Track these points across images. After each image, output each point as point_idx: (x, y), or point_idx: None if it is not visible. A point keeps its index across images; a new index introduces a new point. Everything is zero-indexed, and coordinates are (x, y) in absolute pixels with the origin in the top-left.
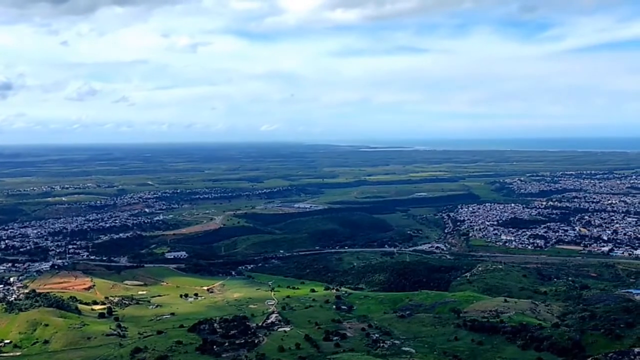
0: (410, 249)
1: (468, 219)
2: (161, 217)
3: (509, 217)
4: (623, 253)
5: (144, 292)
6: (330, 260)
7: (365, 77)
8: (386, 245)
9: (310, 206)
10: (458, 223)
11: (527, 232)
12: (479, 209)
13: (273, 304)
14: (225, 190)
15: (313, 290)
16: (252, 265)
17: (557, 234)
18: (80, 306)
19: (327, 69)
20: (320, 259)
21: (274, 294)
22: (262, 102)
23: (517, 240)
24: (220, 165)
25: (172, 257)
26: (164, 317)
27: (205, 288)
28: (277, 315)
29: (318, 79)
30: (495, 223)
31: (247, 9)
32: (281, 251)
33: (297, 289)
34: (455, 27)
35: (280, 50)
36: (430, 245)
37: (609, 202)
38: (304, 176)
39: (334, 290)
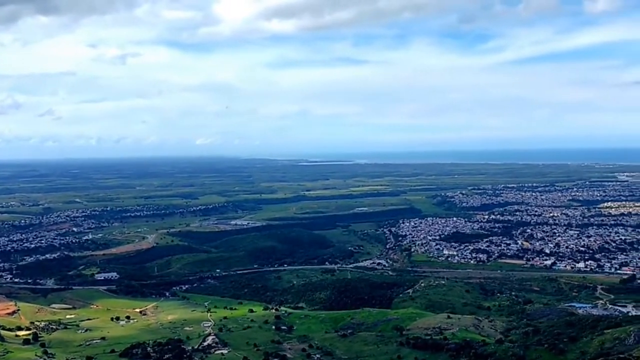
0: (352, 265)
1: (410, 234)
2: (90, 237)
3: (451, 231)
4: (565, 266)
5: (72, 316)
6: (269, 278)
7: (303, 89)
8: (327, 262)
9: (248, 223)
10: (400, 238)
11: (469, 247)
12: (420, 223)
13: (209, 326)
14: (158, 207)
15: (251, 311)
16: (187, 286)
17: (499, 248)
18: (3, 332)
19: (264, 80)
20: (258, 278)
21: (211, 315)
22: (196, 115)
23: (459, 255)
24: (152, 181)
25: (102, 278)
26: (94, 341)
27: (138, 310)
28: (214, 337)
29: (255, 91)
30: (438, 237)
31: (179, 19)
32: (218, 270)
33: (235, 309)
34: (394, 38)
35: (215, 61)
36: (372, 261)
37: (551, 215)
38: (241, 192)
39: (274, 310)
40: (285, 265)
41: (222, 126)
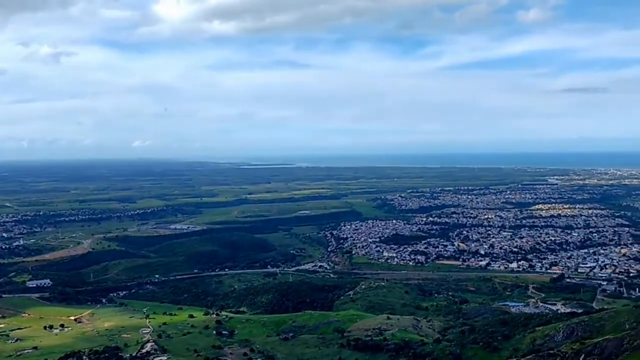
0: (294, 269)
1: (351, 237)
2: (21, 242)
3: (391, 233)
4: (499, 266)
5: (3, 325)
6: (209, 283)
7: (245, 92)
8: (269, 266)
9: (188, 227)
10: (341, 241)
11: (408, 248)
12: (361, 226)
13: (148, 332)
14: (94, 211)
15: (192, 316)
16: (125, 292)
17: (437, 249)
18: None
19: (204, 82)
20: (199, 283)
21: (149, 322)
22: (134, 117)
23: (399, 257)
24: (88, 185)
25: (34, 285)
26: (26, 351)
27: (73, 318)
28: (153, 344)
29: (195, 93)
30: (378, 240)
31: (117, 18)
32: (157, 276)
33: (175, 315)
34: (336, 42)
35: (154, 62)
36: (313, 264)
37: (486, 217)
38: (181, 195)
39: (214, 315)
40: (227, 270)
41: (161, 128)
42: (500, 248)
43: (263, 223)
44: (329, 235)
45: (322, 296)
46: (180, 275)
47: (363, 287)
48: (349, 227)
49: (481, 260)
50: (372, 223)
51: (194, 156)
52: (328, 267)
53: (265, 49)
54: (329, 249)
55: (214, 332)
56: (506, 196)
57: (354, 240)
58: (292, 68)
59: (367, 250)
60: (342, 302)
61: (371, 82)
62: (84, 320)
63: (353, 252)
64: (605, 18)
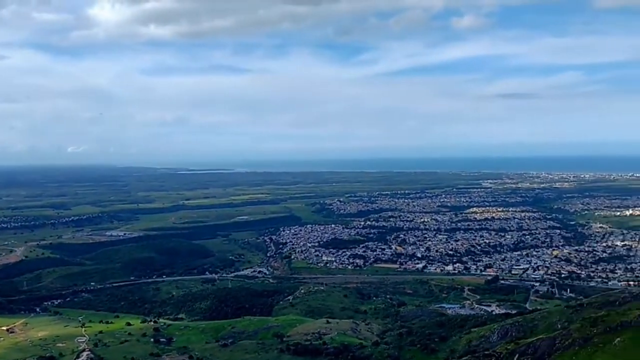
0: (233, 274)
1: (290, 241)
2: None
3: (330, 237)
4: (436, 269)
5: None
6: (147, 290)
7: (182, 96)
8: (207, 272)
9: (124, 234)
10: (280, 246)
11: (347, 252)
12: (300, 230)
13: (84, 341)
14: (26, 218)
15: (129, 324)
16: (59, 300)
17: (375, 253)
18: None
19: (140, 86)
20: (136, 290)
21: (85, 330)
22: (69, 122)
23: (337, 261)
24: (20, 191)
25: None
26: None
27: (5, 328)
28: (89, 352)
29: (131, 97)
30: (317, 244)
31: (50, 21)
32: (92, 283)
33: (111, 323)
34: (274, 47)
35: (89, 66)
36: (252, 269)
37: (422, 220)
38: (117, 201)
39: (152, 323)
40: (164, 276)
41: (96, 134)
42: (437, 251)
43: (201, 229)
44: (268, 240)
45: (262, 301)
46: (116, 282)
47: (302, 291)
48: (288, 232)
49: (418, 263)
50: (311, 227)
51: (130, 162)
52: (267, 273)
53: (202, 53)
54: (268, 254)
55: (152, 339)
56: (442, 200)
57: (293, 245)
58: (230, 73)
59: (306, 254)
60: (281, 307)
61: (310, 87)
62: (17, 330)
63: (292, 257)
64: (536, 26)
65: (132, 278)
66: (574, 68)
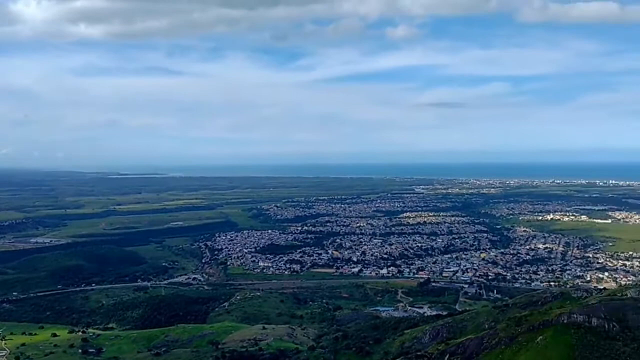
0: (166, 281)
1: (226, 247)
2: None
3: (267, 243)
4: (371, 273)
5: None
6: (75, 299)
7: (113, 98)
8: (139, 280)
9: (51, 240)
10: (216, 252)
11: (284, 258)
12: (236, 236)
13: (4, 355)
14: None
15: (55, 335)
16: None
17: (312, 258)
18: None
19: (69, 87)
20: (63, 300)
21: (6, 343)
22: None
23: (274, 266)
24: None
25: None
26: None
27: None
28: None
29: (59, 99)
30: (253, 250)
31: None
32: (14, 293)
33: (35, 334)
34: (210, 50)
35: (12, 65)
36: (187, 276)
37: (358, 225)
38: (43, 207)
39: (80, 333)
40: (94, 285)
41: (21, 136)
42: (372, 255)
43: (133, 235)
44: (203, 246)
45: (196, 309)
46: (42, 292)
47: (238, 297)
48: (224, 237)
49: (354, 267)
50: (248, 233)
51: (58, 165)
52: (202, 279)
53: (135, 54)
54: (203, 261)
55: (80, 350)
56: (377, 205)
57: (229, 251)
58: (164, 75)
59: (242, 260)
60: (216, 314)
61: (246, 92)
62: None
63: (228, 263)
64: (465, 37)
65: (58, 287)
66: (501, 79)
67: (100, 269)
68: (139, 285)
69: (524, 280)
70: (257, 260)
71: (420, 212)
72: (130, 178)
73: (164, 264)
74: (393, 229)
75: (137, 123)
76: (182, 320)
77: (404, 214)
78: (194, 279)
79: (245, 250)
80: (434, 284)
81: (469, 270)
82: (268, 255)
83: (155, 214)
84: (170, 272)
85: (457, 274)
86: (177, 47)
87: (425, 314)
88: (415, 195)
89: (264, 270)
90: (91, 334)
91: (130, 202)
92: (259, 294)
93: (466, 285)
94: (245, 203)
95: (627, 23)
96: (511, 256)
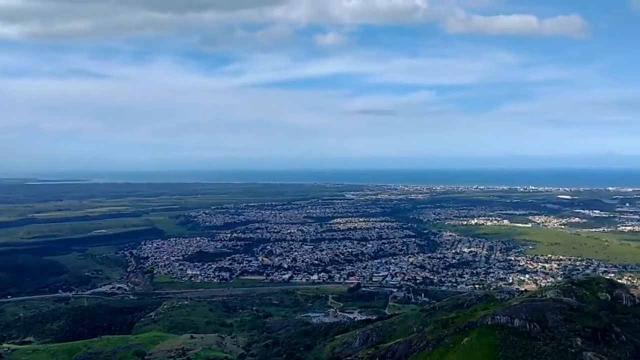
0: (89, 292)
1: (152, 256)
2: None
3: (195, 251)
4: (301, 279)
5: None
6: None
7: (32, 101)
8: (60, 290)
9: None
10: (142, 260)
11: (212, 265)
12: (163, 244)
13: None
14: None
15: None
16: None
17: (241, 265)
18: None
19: None
20: None
21: None
22: None
23: (203, 274)
24: None
25: None
26: None
27: None
28: None
29: None
30: (181, 258)
31: None
32: None
33: None
34: (136, 53)
35: None
36: (111, 286)
37: (289, 231)
38: None
39: None
40: (9, 297)
41: None
42: (303, 261)
43: (54, 244)
44: (128, 255)
45: (121, 319)
46: None
47: (165, 307)
48: (150, 245)
49: (284, 274)
50: (175, 241)
51: None
52: (127, 289)
53: (55, 56)
54: (128, 270)
55: None
56: (307, 211)
57: (155, 259)
58: (87, 78)
59: (169, 269)
60: (143, 324)
61: (173, 96)
62: None
63: (155, 272)
64: (392, 46)
65: None
66: (427, 88)
67: (16, 279)
68: (59, 296)
69: (450, 284)
70: (184, 269)
71: (350, 218)
72: (50, 184)
73: (87, 273)
74: (324, 234)
75: (58, 127)
76: (106, 332)
77: (335, 220)
78: (119, 288)
79: (173, 258)
80: (364, 288)
81: (397, 274)
82: (196, 263)
83: (78, 222)
84: (93, 282)
85: (387, 279)
86: (102, 49)
87: (356, 319)
88: (345, 201)
89: (192, 279)
90: (6, 349)
91: (50, 209)
92: (187, 302)
93: (395, 290)
94: (173, 210)
95: (544, 36)
96: (438, 260)
